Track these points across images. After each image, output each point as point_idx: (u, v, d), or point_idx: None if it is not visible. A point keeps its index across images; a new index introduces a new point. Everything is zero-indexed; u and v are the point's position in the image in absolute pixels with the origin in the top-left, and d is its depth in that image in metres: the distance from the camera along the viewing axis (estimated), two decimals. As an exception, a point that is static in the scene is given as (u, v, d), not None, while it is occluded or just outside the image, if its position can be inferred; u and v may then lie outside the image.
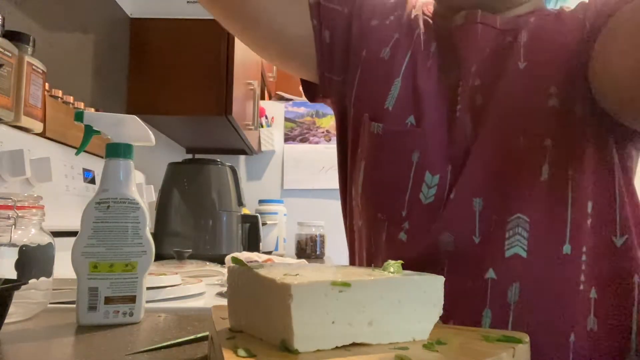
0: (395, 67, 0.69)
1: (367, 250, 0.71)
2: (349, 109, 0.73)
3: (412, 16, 0.73)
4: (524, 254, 0.58)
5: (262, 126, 2.53)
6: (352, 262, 0.79)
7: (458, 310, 0.58)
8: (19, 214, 0.57)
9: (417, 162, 0.63)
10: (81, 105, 1.20)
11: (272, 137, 2.58)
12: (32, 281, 0.57)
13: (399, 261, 0.41)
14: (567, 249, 0.58)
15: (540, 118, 0.60)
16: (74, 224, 0.62)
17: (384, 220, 0.66)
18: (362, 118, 0.69)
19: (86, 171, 1.20)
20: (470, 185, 0.61)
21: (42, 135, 1.04)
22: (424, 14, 0.73)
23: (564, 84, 0.61)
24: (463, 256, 0.60)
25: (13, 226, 0.57)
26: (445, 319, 0.51)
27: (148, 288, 0.77)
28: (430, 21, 0.72)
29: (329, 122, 2.66)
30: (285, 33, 0.73)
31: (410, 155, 0.64)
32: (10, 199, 0.57)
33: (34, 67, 0.97)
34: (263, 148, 2.55)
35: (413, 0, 0.76)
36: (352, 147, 0.73)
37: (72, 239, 0.58)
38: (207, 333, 0.50)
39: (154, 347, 0.47)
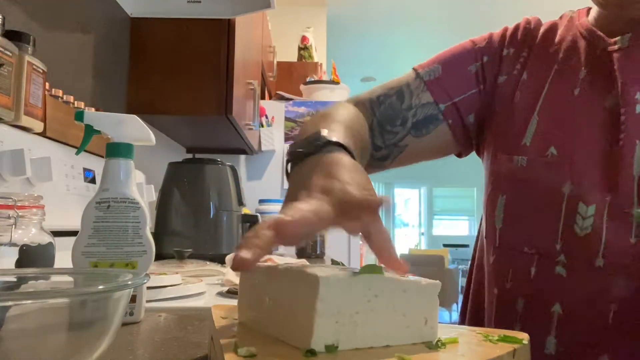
0: (529, 106, 0.68)
1: (499, 286, 0.67)
2: (486, 157, 0.75)
3: (550, 51, 0.71)
4: None
5: (262, 126, 2.53)
6: (470, 301, 0.77)
7: None
8: (20, 214, 0.57)
9: (569, 193, 0.61)
10: (81, 104, 1.20)
11: (272, 137, 2.58)
12: (31, 282, 0.57)
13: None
14: None
15: None
16: (75, 223, 0.62)
17: (532, 254, 0.63)
18: (498, 157, 0.70)
19: (87, 171, 1.20)
20: None
21: (43, 134, 1.03)
22: (580, 33, 0.70)
23: None
24: (636, 304, 0.56)
25: (13, 226, 0.57)
26: None
27: (148, 288, 0.77)
28: (583, 43, 0.69)
29: (329, 121, 2.66)
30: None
31: (561, 186, 0.62)
32: (11, 198, 0.57)
33: (34, 66, 0.97)
34: (263, 148, 2.55)
35: (552, 27, 0.74)
36: (489, 187, 0.72)
37: (73, 239, 0.58)
38: None
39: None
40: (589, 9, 0.74)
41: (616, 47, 0.64)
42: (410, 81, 0.76)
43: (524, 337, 0.39)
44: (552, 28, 0.74)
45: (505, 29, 0.77)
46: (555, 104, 0.66)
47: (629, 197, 0.58)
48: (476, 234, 0.81)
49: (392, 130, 0.74)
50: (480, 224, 0.78)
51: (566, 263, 0.61)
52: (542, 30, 0.74)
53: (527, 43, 0.73)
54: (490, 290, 0.70)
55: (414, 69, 0.77)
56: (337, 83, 2.85)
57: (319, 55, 3.59)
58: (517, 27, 0.76)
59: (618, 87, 0.62)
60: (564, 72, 0.68)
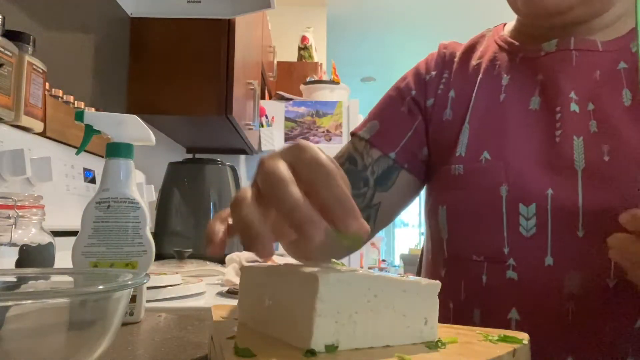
0: (460, 119, 0.70)
1: (454, 300, 0.66)
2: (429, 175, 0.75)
3: (472, 66, 0.74)
4: None
5: (262, 126, 2.53)
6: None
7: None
8: (20, 214, 0.57)
9: (506, 195, 0.61)
10: (81, 104, 1.20)
11: (272, 137, 2.58)
12: (31, 282, 0.57)
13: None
14: None
15: None
16: (75, 223, 0.62)
17: (481, 261, 0.63)
18: (437, 171, 0.70)
19: (87, 171, 1.20)
20: (602, 221, 0.56)
21: (43, 134, 1.03)
22: (498, 46, 0.73)
23: None
24: (593, 299, 0.55)
25: (13, 226, 0.57)
26: None
27: (148, 288, 0.77)
28: (503, 54, 0.71)
29: (329, 121, 2.66)
30: None
31: (498, 189, 0.62)
32: (11, 198, 0.57)
33: (34, 66, 0.97)
34: (263, 148, 2.55)
35: (469, 45, 0.77)
36: (429, 201, 0.73)
37: (73, 239, 0.58)
38: None
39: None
40: (504, 24, 0.77)
41: (543, 52, 0.66)
42: (355, 145, 0.76)
43: (524, 337, 0.39)
44: (472, 46, 0.76)
45: (425, 60, 0.79)
46: (484, 112, 0.68)
47: (574, 191, 0.58)
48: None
49: (360, 193, 0.72)
50: (425, 243, 0.77)
51: (516, 266, 0.60)
52: (461, 50, 0.77)
53: (447, 65, 0.76)
54: (446, 305, 0.68)
55: (352, 134, 0.78)
56: (337, 83, 2.85)
57: (319, 55, 3.59)
58: (434, 54, 0.79)
59: (539, 90, 0.65)
60: (488, 82, 0.70)
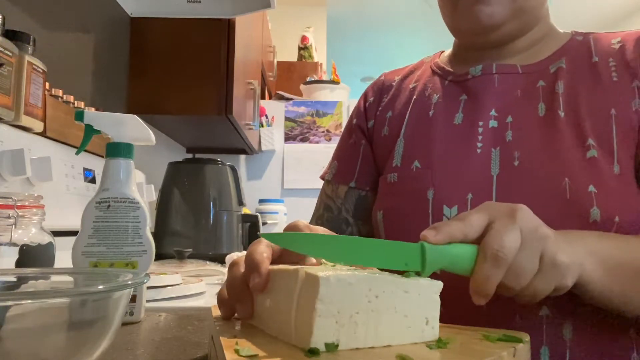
0: (396, 134, 0.78)
1: None
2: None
3: (409, 89, 0.82)
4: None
5: (262, 126, 2.53)
6: None
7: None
8: (20, 214, 0.57)
9: (432, 198, 0.67)
10: (81, 104, 1.20)
11: (272, 137, 2.58)
12: (31, 282, 0.57)
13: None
14: None
15: (582, 167, 0.62)
16: (75, 223, 0.62)
17: None
18: (379, 182, 0.77)
19: (87, 170, 1.20)
20: None
21: (43, 134, 1.03)
22: (432, 70, 0.81)
23: (603, 140, 0.63)
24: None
25: (13, 225, 0.57)
26: None
27: (148, 287, 0.77)
28: (436, 78, 0.79)
29: (329, 121, 2.66)
30: None
31: (425, 193, 0.68)
32: (11, 198, 0.57)
33: (34, 66, 0.97)
34: (263, 147, 2.55)
35: (401, 74, 0.86)
36: (373, 208, 0.78)
37: (73, 239, 0.58)
38: None
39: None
40: (442, 52, 0.86)
41: (470, 76, 0.74)
42: (325, 191, 0.85)
43: (524, 336, 0.39)
44: (411, 71, 0.85)
45: (364, 92, 0.88)
46: (416, 126, 0.76)
47: (489, 195, 0.65)
48: None
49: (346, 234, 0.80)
50: None
51: None
52: (400, 75, 0.86)
53: (385, 91, 0.85)
54: None
55: (321, 178, 0.87)
56: (337, 83, 2.85)
57: (319, 55, 3.58)
58: (373, 83, 0.88)
59: (463, 107, 0.73)
60: (420, 101, 0.78)
